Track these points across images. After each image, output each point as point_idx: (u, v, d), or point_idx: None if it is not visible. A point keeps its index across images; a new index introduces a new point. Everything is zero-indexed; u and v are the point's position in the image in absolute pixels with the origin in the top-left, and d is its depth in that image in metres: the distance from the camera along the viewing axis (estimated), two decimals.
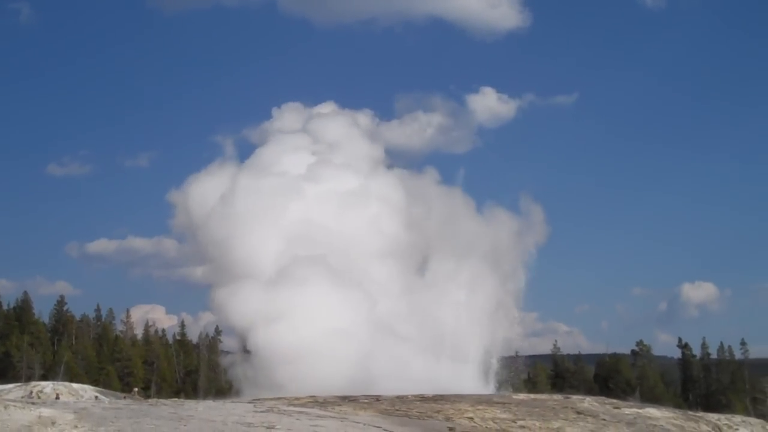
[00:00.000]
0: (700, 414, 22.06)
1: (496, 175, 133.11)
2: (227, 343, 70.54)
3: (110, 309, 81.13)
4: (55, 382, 42.33)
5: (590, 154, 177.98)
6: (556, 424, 16.13)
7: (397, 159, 36.43)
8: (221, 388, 55.32)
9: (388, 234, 29.87)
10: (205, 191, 31.36)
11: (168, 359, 77.28)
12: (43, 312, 77.07)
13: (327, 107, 36.16)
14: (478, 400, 18.57)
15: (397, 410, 16.34)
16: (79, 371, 64.88)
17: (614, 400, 21.38)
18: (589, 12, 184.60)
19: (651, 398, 56.38)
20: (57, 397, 33.75)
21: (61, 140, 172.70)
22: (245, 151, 34.14)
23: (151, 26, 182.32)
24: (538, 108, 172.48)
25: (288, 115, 36.42)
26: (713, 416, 21.19)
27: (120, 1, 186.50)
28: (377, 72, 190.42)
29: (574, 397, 21.07)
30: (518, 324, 33.33)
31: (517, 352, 44.08)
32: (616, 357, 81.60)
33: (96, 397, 34.64)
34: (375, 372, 25.02)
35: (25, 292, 75.75)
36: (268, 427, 12.59)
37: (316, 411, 15.42)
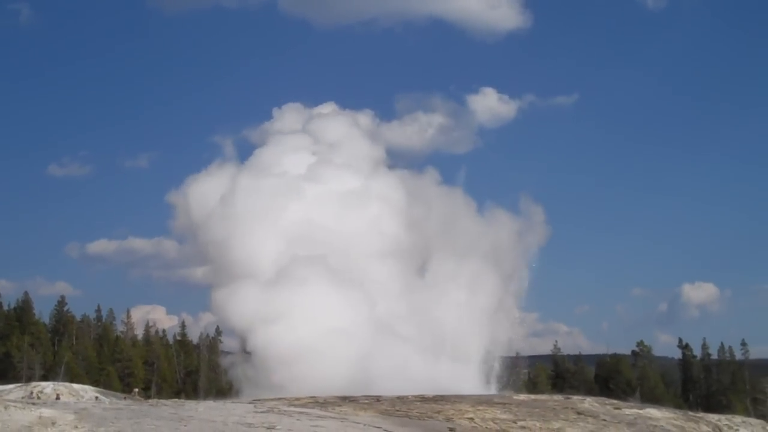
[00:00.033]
0: (701, 414, 22.06)
1: (496, 175, 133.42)
2: (228, 343, 70.63)
3: (111, 309, 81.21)
4: (56, 383, 42.36)
5: (590, 155, 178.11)
6: (556, 425, 16.12)
7: (397, 159, 36.50)
8: (222, 389, 55.29)
9: (389, 234, 29.87)
10: (205, 192, 31.38)
11: (168, 360, 77.28)
12: (43, 312, 77.14)
13: (327, 108, 36.21)
14: (478, 400, 18.57)
15: (398, 411, 16.34)
16: (79, 372, 64.88)
17: (615, 401, 21.38)
18: (589, 12, 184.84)
19: (651, 399, 56.35)
20: (57, 398, 33.75)
21: (61, 141, 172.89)
22: (245, 152, 34.19)
23: (151, 27, 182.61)
24: (538, 108, 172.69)
25: (288, 116, 36.43)
26: (713, 417, 21.20)
27: (120, 1, 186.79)
28: (377, 72, 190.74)
29: (575, 397, 21.06)
30: (519, 324, 33.34)
31: (517, 353, 44.07)
32: (616, 357, 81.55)
33: (96, 398, 34.65)
34: (375, 372, 25.02)
35: (26, 293, 75.80)
36: (268, 428, 12.59)
37: (317, 411, 15.42)
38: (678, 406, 39.53)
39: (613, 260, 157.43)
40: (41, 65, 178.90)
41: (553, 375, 79.15)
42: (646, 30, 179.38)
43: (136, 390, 55.83)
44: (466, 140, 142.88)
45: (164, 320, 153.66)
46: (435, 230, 32.06)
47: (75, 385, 42.13)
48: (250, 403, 17.11)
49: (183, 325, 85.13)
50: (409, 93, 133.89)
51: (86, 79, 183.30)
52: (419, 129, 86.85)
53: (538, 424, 15.99)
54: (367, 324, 27.12)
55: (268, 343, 26.58)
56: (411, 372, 25.38)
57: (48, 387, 39.24)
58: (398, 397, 18.37)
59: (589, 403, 19.41)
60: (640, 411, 19.11)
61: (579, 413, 17.58)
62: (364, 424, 14.13)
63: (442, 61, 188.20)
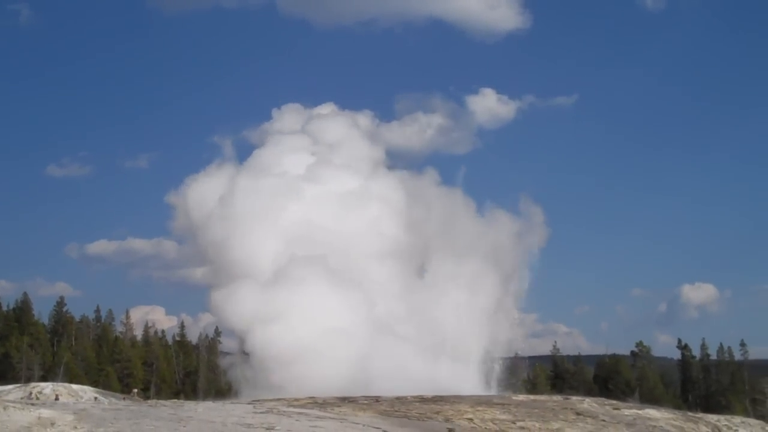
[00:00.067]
0: (700, 415, 22.07)
1: (495, 176, 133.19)
2: (227, 344, 70.52)
3: (110, 310, 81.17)
4: (55, 383, 42.27)
5: (590, 155, 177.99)
6: (555, 425, 16.13)
7: (397, 160, 36.46)
8: (221, 390, 55.27)
9: (388, 235, 29.87)
10: (204, 192, 31.37)
11: (167, 360, 77.25)
12: (42, 313, 77.08)
13: (327, 108, 36.18)
14: (477, 401, 18.58)
15: (397, 411, 16.34)
16: (78, 372, 64.86)
17: (614, 401, 21.41)
18: (589, 13, 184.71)
19: (650, 399, 56.37)
20: (56, 398, 33.71)
21: (61, 141, 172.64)
22: (245, 152, 34.12)
23: (150, 27, 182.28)
24: (538, 109, 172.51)
25: (288, 116, 36.39)
26: (713, 417, 21.22)
27: (120, 1, 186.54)
28: (377, 73, 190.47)
29: (574, 398, 21.08)
30: (518, 325, 33.37)
31: (516, 353, 44.06)
32: (615, 358, 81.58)
33: (95, 398, 34.61)
34: (374, 372, 25.01)
35: (25, 293, 75.73)
36: (267, 428, 12.59)
37: (316, 412, 15.42)
38: (677, 407, 39.56)
39: (612, 261, 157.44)
40: (41, 65, 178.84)
41: (552, 375, 79.13)
42: (645, 30, 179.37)
43: (135, 390, 55.73)
44: (465, 141, 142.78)
45: (163, 321, 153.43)
46: (434, 231, 32.08)
47: (74, 386, 42.06)
48: (249, 403, 17.11)
49: (182, 326, 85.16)
50: (409, 93, 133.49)
51: (86, 80, 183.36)
52: (419, 129, 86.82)
53: (537, 425, 15.99)
54: (366, 324, 27.11)
55: (267, 344, 26.57)
56: (410, 372, 25.37)
57: (47, 387, 39.16)
58: (397, 398, 18.38)
59: (588, 403, 19.42)
60: (640, 411, 19.13)
61: (578, 414, 17.59)
62: (363, 425, 14.13)
63: (441, 61, 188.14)
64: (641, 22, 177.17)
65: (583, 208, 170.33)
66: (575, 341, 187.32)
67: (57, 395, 36.42)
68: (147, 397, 51.49)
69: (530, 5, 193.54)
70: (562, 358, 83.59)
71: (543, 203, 35.90)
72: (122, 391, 54.88)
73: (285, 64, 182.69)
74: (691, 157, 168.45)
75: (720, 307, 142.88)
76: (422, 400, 18.22)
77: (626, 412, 18.81)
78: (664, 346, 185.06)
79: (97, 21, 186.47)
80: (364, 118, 37.86)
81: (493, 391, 28.07)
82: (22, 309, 72.41)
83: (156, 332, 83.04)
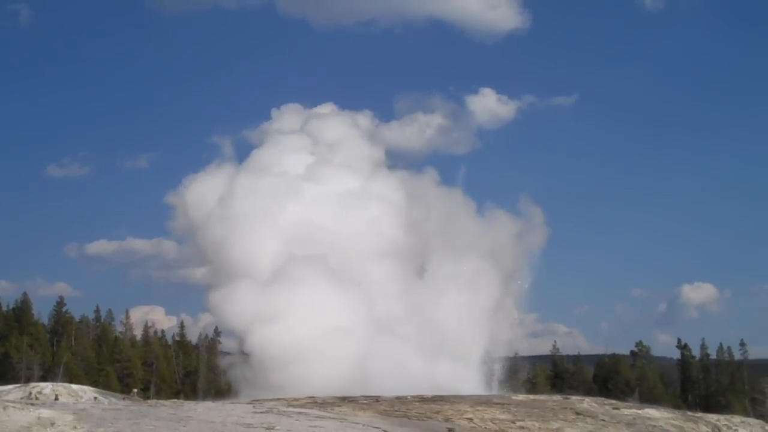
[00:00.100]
0: (700, 415, 22.07)
1: (495, 176, 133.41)
2: (226, 344, 70.55)
3: (110, 310, 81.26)
4: (55, 383, 42.27)
5: (590, 155, 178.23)
6: (555, 425, 16.13)
7: (396, 160, 36.43)
8: (220, 389, 55.28)
9: (388, 235, 29.85)
10: (203, 192, 31.35)
11: (167, 360, 77.26)
12: (42, 313, 77.15)
13: (326, 108, 36.15)
14: (477, 400, 18.58)
15: (397, 411, 16.34)
16: (78, 372, 64.88)
17: (613, 401, 21.40)
18: (589, 13, 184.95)
19: (650, 399, 56.40)
20: (56, 398, 33.71)
21: (61, 141, 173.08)
22: (244, 152, 34.09)
23: (150, 27, 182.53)
24: (537, 109, 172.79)
25: (287, 116, 36.35)
26: (712, 417, 21.21)
27: (119, 2, 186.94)
28: (377, 73, 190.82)
29: (574, 397, 21.07)
30: (518, 325, 33.36)
31: (516, 353, 44.08)
32: (615, 358, 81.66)
33: (95, 398, 34.61)
34: (373, 372, 25.01)
35: (25, 293, 75.83)
36: (267, 428, 12.59)
37: (316, 412, 15.42)
38: (677, 407, 39.55)
39: (612, 260, 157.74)
40: (41, 65, 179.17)
41: (552, 375, 79.19)
42: (645, 30, 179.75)
43: (135, 390, 55.71)
44: (465, 141, 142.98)
45: (163, 321, 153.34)
46: (434, 230, 32.07)
47: (74, 386, 42.06)
48: (249, 403, 17.10)
49: (182, 326, 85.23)
50: (409, 93, 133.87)
51: (86, 80, 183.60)
52: (418, 129, 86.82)
53: (536, 425, 15.99)
54: (365, 324, 27.10)
55: (265, 344, 26.55)
56: (410, 372, 25.38)
57: (47, 387, 39.16)
58: (397, 398, 18.37)
59: (587, 403, 19.42)
60: (639, 411, 19.13)
61: (578, 413, 17.59)
62: (363, 425, 14.13)
63: (441, 61, 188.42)
64: (641, 22, 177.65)
65: (583, 208, 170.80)
66: (575, 341, 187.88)
67: (57, 395, 36.42)
68: (147, 397, 51.51)
69: (530, 5, 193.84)
70: (561, 357, 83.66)
71: (543, 203, 35.96)
72: (122, 391, 54.89)
73: (284, 64, 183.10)
74: (691, 157, 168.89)
75: (720, 307, 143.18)
76: (422, 399, 18.22)
77: (626, 411, 18.80)
78: (663, 345, 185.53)
79: (96, 21, 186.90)
80: (364, 118, 37.81)
81: (493, 391, 28.07)
82: (22, 309, 72.44)
83: (156, 332, 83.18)
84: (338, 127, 33.48)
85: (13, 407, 12.47)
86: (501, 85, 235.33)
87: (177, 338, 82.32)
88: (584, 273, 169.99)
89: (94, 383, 55.98)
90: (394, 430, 14.17)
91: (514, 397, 20.65)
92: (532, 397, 22.04)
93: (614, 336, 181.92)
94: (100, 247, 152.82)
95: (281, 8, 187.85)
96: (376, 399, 18.12)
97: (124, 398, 36.37)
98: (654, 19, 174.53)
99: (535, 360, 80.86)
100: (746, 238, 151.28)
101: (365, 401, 17.67)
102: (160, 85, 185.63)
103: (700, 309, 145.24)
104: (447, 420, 15.83)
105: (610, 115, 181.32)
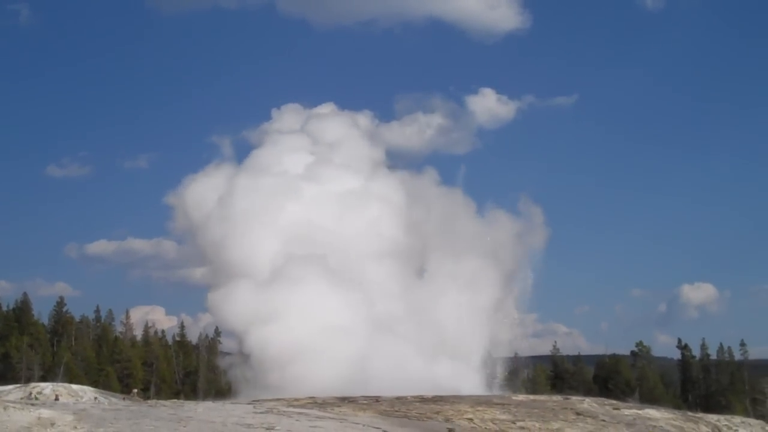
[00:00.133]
0: (700, 415, 22.07)
1: (495, 176, 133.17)
2: (227, 344, 70.54)
3: (110, 310, 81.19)
4: (55, 384, 42.23)
5: (590, 155, 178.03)
6: (555, 425, 16.13)
7: (396, 160, 36.47)
8: (221, 390, 55.30)
9: (388, 235, 29.85)
10: (203, 192, 31.36)
11: (167, 360, 77.23)
12: (42, 313, 77.09)
13: (326, 108, 36.17)
14: (477, 401, 18.58)
15: (397, 411, 16.34)
16: (78, 372, 64.86)
17: (614, 401, 21.39)
18: (589, 13, 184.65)
19: (650, 399, 56.39)
20: (56, 399, 33.68)
21: (61, 141, 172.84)
22: (244, 153, 34.07)
23: (150, 27, 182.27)
24: (537, 109, 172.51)
25: (287, 116, 36.37)
26: (713, 417, 21.22)
27: (119, 2, 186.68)
28: (377, 73, 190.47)
29: (574, 398, 21.07)
30: (518, 325, 33.36)
31: (516, 353, 44.08)
32: (615, 358, 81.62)
33: (95, 399, 34.59)
34: (373, 372, 24.99)
35: (25, 294, 75.75)
36: (267, 429, 12.59)
37: (316, 412, 15.42)
38: (677, 407, 39.56)
39: (612, 261, 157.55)
40: (41, 65, 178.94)
41: (552, 375, 79.14)
42: (645, 30, 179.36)
43: (135, 391, 55.60)
44: (465, 141, 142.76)
45: (163, 321, 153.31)
46: (434, 230, 32.07)
47: (74, 386, 42.01)
48: (249, 403, 17.10)
49: (182, 326, 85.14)
50: (409, 94, 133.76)
51: (85, 80, 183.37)
52: (418, 130, 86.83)
53: (537, 425, 15.99)
54: (365, 323, 27.09)
55: (264, 344, 26.54)
56: (409, 372, 25.37)
57: (47, 388, 39.11)
58: (397, 398, 18.37)
59: (588, 403, 19.42)
60: (639, 411, 19.13)
61: (578, 414, 17.59)
62: (363, 425, 14.13)
63: (441, 61, 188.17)
64: (641, 22, 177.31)
65: (583, 208, 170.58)
66: (575, 341, 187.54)
67: (57, 395, 36.39)
68: (147, 397, 51.48)
69: (530, 5, 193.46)
70: (562, 358, 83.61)
71: (543, 203, 36.01)
72: (122, 392, 54.86)
73: (284, 64, 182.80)
74: (691, 157, 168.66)
75: (720, 307, 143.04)
76: (422, 400, 18.22)
77: (626, 412, 18.80)
78: (664, 346, 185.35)
79: (96, 21, 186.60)
80: (364, 118, 37.89)
81: (493, 391, 28.06)
82: (22, 309, 72.40)
83: (156, 332, 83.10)
84: (338, 127, 33.49)
85: (14, 407, 12.47)
86: (501, 85, 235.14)
87: (177, 338, 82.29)
88: (584, 273, 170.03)
89: (94, 383, 55.94)
90: (394, 430, 14.17)
91: (514, 398, 20.65)
92: (532, 397, 22.03)
93: (614, 336, 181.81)
94: (100, 247, 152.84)
95: (281, 8, 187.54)
96: (376, 399, 18.12)
97: (124, 398, 36.31)
98: (654, 19, 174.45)
99: (535, 360, 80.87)
100: (746, 238, 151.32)
101: (365, 401, 17.66)
102: (160, 85, 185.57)
103: (700, 309, 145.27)
104: (447, 420, 15.83)
105: (610, 115, 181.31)
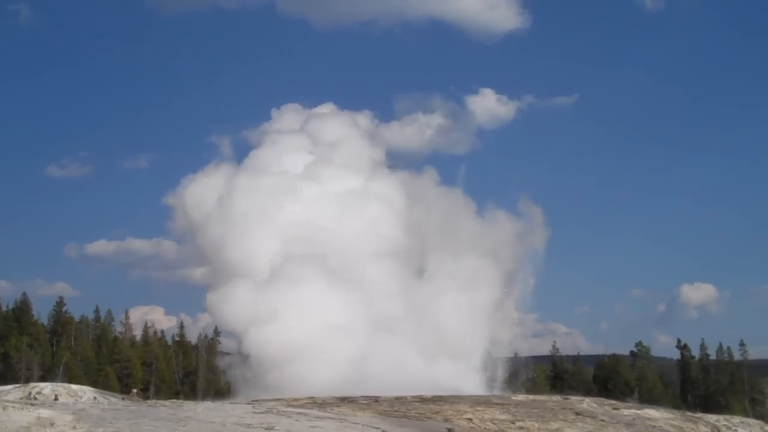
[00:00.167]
0: (699, 415, 22.08)
1: (495, 176, 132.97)
2: (226, 344, 70.53)
3: (109, 310, 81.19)
4: (54, 383, 42.29)
5: (590, 155, 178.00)
6: (555, 425, 16.13)
7: (396, 160, 36.45)
8: (220, 390, 55.28)
9: (388, 235, 29.83)
10: (202, 192, 31.35)
11: (167, 360, 77.22)
12: (42, 313, 77.11)
13: (326, 108, 36.15)
14: (476, 401, 18.58)
15: (396, 411, 16.34)
16: (78, 372, 64.86)
17: (613, 401, 21.40)
18: (588, 13, 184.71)
19: (650, 399, 56.40)
20: (56, 398, 33.71)
21: (61, 141, 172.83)
22: (244, 153, 34.05)
23: (150, 27, 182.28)
24: (537, 109, 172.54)
25: (287, 117, 36.33)
26: (712, 417, 21.23)
27: (119, 2, 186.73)
28: (377, 73, 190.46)
29: (573, 398, 21.08)
30: (518, 325, 33.37)
31: (516, 353, 44.09)
32: (615, 358, 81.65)
33: (95, 398, 34.60)
34: (372, 372, 24.97)
35: (24, 293, 75.77)
36: (267, 429, 12.59)
37: (315, 412, 15.42)
38: (676, 407, 39.57)
39: (612, 261, 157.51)
40: (41, 65, 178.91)
41: (551, 375, 79.11)
42: (645, 30, 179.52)
43: (135, 391, 55.74)
44: (465, 141, 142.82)
45: (163, 321, 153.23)
46: (434, 230, 32.07)
47: (73, 386, 42.06)
48: (248, 403, 17.10)
49: (181, 326, 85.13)
50: (408, 94, 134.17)
51: (85, 80, 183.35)
52: (418, 130, 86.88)
53: (536, 425, 15.99)
54: (364, 322, 27.08)
55: (262, 344, 26.51)
56: (409, 372, 25.36)
57: (46, 388, 39.17)
58: (397, 398, 18.37)
59: (587, 403, 19.42)
60: (639, 411, 19.13)
61: (577, 414, 17.59)
62: (363, 425, 14.13)
63: (441, 61, 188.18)
64: (641, 22, 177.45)
65: (583, 208, 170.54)
66: (575, 341, 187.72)
67: (56, 395, 36.43)
68: (146, 397, 51.48)
69: (529, 5, 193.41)
70: (561, 358, 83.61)
71: (543, 203, 36.00)
72: (121, 391, 54.89)
73: (284, 64, 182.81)
74: (691, 157, 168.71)
75: (719, 307, 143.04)
76: (422, 400, 18.22)
77: (625, 412, 18.81)
78: (663, 346, 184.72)
79: (96, 21, 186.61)
80: (364, 118, 37.83)
81: (492, 391, 28.06)
82: (22, 309, 72.40)
83: (155, 332, 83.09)
84: (338, 127, 33.47)
85: (13, 407, 12.47)
86: (501, 85, 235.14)
87: (176, 338, 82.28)
88: (584, 273, 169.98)
89: (93, 383, 55.96)
90: (394, 430, 14.17)
91: (513, 398, 20.65)
92: (531, 397, 22.03)
93: (614, 336, 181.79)
94: (100, 247, 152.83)
95: (281, 8, 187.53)
96: (376, 399, 18.12)
97: (123, 398, 36.35)
98: (654, 19, 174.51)
99: (535, 360, 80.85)
100: (746, 238, 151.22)
101: (365, 401, 17.67)
102: (160, 85, 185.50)
103: (700, 309, 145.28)
104: (446, 420, 15.84)
105: (610, 115, 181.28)
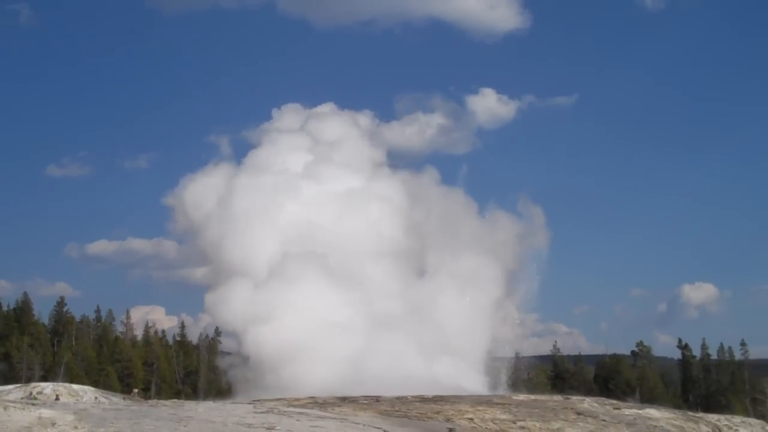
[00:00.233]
0: (700, 415, 22.07)
1: (495, 176, 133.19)
2: (227, 344, 70.55)
3: (110, 310, 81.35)
4: (55, 383, 42.26)
5: (590, 155, 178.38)
6: (555, 425, 16.12)
7: (397, 160, 36.42)
8: (221, 390, 55.29)
9: (388, 235, 29.82)
10: (202, 192, 31.35)
11: (168, 360, 77.29)
12: (42, 313, 77.27)
13: (326, 108, 36.15)
14: (477, 400, 18.56)
15: (397, 411, 16.33)
16: (79, 372, 64.92)
17: (614, 401, 21.36)
18: (589, 13, 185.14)
19: (651, 399, 56.42)
20: (57, 398, 33.69)
21: (61, 141, 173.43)
22: (244, 152, 34.10)
23: (150, 27, 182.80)
24: (537, 109, 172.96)
25: (287, 116, 36.32)
26: (713, 417, 21.20)
27: (119, 2, 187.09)
28: (377, 73, 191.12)
29: (574, 397, 21.05)
30: (519, 325, 33.31)
31: (517, 353, 44.09)
32: (616, 358, 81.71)
33: (96, 398, 34.59)
34: (372, 371, 24.94)
35: (25, 293, 75.90)
36: (268, 428, 12.59)
37: (316, 412, 15.41)
38: (677, 407, 39.57)
39: (612, 260, 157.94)
40: (41, 65, 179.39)
41: (552, 375, 79.17)
42: (645, 30, 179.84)
43: (136, 390, 55.80)
44: (465, 141, 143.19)
45: (164, 321, 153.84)
46: (434, 230, 32.04)
47: (74, 386, 42.02)
48: (249, 403, 17.09)
49: (182, 326, 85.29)
50: (409, 93, 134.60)
51: (85, 80, 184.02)
52: (419, 129, 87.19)
53: (537, 425, 15.98)
54: (364, 322, 27.06)
55: (261, 344, 26.50)
56: (409, 371, 25.32)
57: (47, 387, 39.13)
58: (398, 398, 18.36)
59: (588, 403, 19.40)
60: (640, 411, 19.11)
61: (578, 413, 17.57)
62: (364, 425, 14.12)
63: (441, 61, 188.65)
64: (641, 22, 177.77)
65: (583, 208, 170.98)
66: (575, 341, 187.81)
67: (57, 395, 36.40)
68: (147, 397, 51.51)
69: (530, 5, 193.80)
70: (562, 357, 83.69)
71: (543, 203, 35.97)
72: (123, 391, 54.91)
73: (284, 64, 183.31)
74: (691, 157, 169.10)
75: (720, 306, 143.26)
76: (423, 399, 18.21)
77: (627, 411, 18.79)
78: (664, 345, 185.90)
79: (96, 21, 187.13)
80: (364, 118, 37.83)
81: (494, 391, 28.03)
82: (23, 309, 72.49)
83: (156, 332, 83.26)
84: (338, 127, 33.46)
85: (14, 407, 12.46)
86: (501, 85, 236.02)
87: (177, 338, 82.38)
88: (584, 273, 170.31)
89: (94, 383, 55.98)
90: (395, 430, 14.16)
91: (514, 397, 20.62)
92: (532, 397, 22.00)
93: (615, 336, 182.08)
94: (100, 247, 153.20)
95: (281, 8, 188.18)
96: (377, 399, 18.11)
97: (124, 398, 36.38)
98: (654, 19, 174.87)
99: (536, 360, 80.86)
100: (746, 238, 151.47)
101: (366, 401, 17.66)
102: (160, 86, 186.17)
103: (701, 309, 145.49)
104: (448, 420, 15.82)
105: (610, 115, 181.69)
